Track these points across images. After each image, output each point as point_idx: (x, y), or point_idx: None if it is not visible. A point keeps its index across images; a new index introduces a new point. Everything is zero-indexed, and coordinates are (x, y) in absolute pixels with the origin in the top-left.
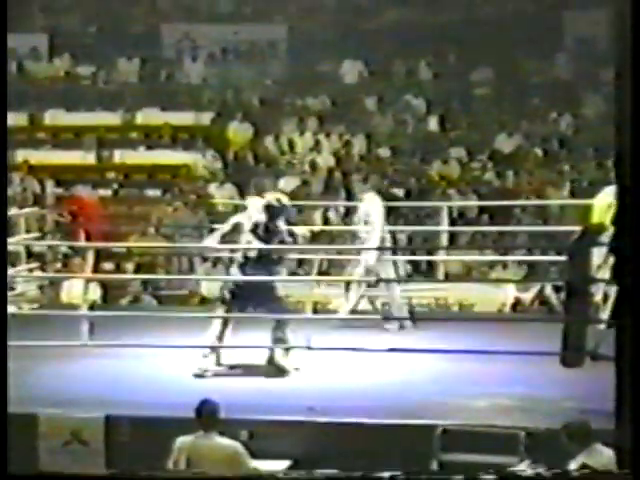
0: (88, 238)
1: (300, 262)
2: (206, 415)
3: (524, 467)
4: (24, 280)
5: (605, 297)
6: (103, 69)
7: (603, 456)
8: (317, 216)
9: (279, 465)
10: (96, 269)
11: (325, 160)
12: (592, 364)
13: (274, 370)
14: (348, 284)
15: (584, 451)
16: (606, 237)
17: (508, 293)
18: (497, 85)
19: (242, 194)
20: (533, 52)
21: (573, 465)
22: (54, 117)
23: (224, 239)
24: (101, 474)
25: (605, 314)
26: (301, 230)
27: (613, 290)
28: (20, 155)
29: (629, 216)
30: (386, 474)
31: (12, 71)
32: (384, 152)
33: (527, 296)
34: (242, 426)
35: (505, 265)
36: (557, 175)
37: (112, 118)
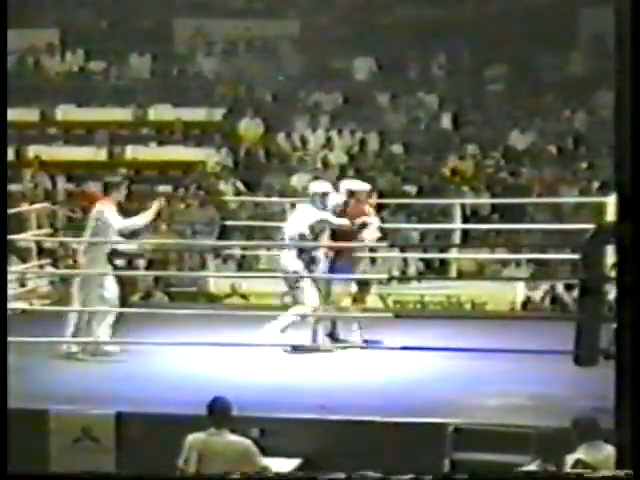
0: None
1: None
2: (218, 412)
3: (534, 467)
4: (35, 276)
5: None
6: (115, 64)
7: (601, 453)
8: None
9: (290, 463)
10: None
11: (337, 157)
12: (605, 363)
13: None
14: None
15: (583, 446)
16: None
17: (519, 291)
18: (511, 82)
19: (251, 190)
20: (547, 49)
21: (569, 459)
22: (66, 113)
23: None
24: (100, 473)
25: None
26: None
27: None
28: (31, 151)
29: (629, 213)
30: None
31: (26, 66)
32: (397, 149)
33: (537, 294)
34: (253, 424)
35: (518, 263)
36: (571, 173)
37: (124, 114)
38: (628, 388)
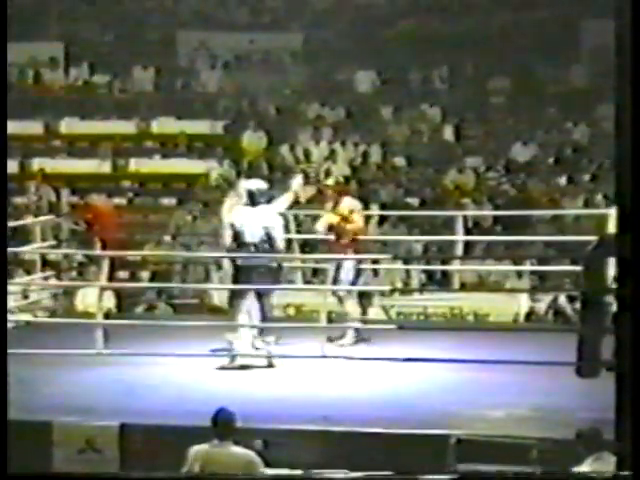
0: (104, 246)
1: (315, 271)
2: (222, 424)
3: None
4: (39, 288)
5: None
6: (119, 78)
7: (607, 464)
8: None
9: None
10: (111, 277)
11: (340, 169)
12: (607, 374)
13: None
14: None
15: (590, 458)
16: None
17: (522, 303)
18: (513, 94)
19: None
20: (549, 61)
21: (577, 470)
22: (70, 126)
23: None
24: (100, 474)
25: None
26: None
27: None
28: (36, 163)
29: (630, 226)
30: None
31: (30, 79)
32: (399, 161)
33: (541, 306)
34: (257, 435)
35: (520, 275)
36: (573, 185)
37: (127, 127)
38: (628, 399)
